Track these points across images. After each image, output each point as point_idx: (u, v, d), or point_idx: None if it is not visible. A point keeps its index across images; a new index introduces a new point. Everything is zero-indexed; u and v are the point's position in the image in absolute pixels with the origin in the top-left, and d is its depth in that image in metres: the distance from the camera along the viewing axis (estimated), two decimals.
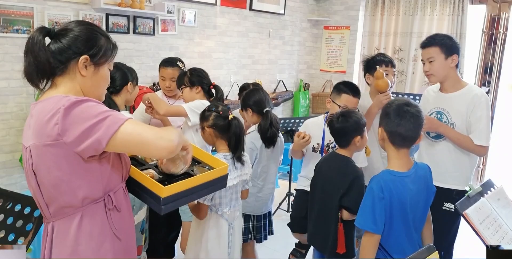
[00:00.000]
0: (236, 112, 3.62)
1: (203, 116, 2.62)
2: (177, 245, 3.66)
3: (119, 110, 2.66)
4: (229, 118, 2.54)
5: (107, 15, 4.52)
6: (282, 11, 6.53)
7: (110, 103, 2.62)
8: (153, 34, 4.97)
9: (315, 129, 3.23)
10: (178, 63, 3.54)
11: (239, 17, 5.97)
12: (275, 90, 6.69)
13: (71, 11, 4.27)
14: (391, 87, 3.24)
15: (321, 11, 7.21)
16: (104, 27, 4.41)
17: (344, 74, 6.94)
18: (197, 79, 3.23)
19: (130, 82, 2.81)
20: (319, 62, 7.36)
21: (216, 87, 3.31)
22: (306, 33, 7.16)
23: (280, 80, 6.82)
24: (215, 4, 5.59)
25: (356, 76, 6.93)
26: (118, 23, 4.61)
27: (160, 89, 3.66)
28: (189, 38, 5.39)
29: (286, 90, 6.89)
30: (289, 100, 6.97)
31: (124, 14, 4.64)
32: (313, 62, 7.41)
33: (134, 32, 4.78)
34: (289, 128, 4.80)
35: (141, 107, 3.37)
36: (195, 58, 5.48)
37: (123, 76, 2.79)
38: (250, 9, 6.07)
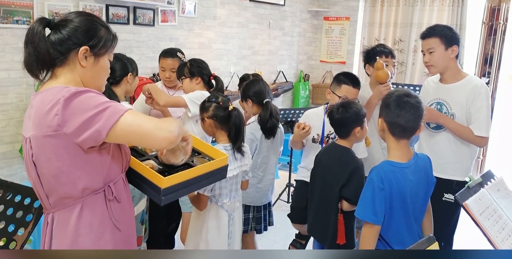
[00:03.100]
0: (236, 103, 3.63)
1: (203, 107, 2.61)
2: (177, 236, 3.68)
3: (119, 101, 2.66)
4: (229, 109, 2.53)
5: (107, 6, 4.50)
6: (282, 2, 6.53)
7: (110, 94, 2.61)
8: (153, 25, 4.97)
9: (315, 120, 3.22)
10: (178, 54, 3.54)
11: (239, 8, 5.97)
12: (275, 81, 6.69)
13: (71, 2, 4.25)
14: (391, 78, 3.23)
15: (321, 2, 7.22)
16: (104, 18, 4.38)
17: (344, 65, 6.96)
18: (197, 70, 3.22)
19: (130, 73, 2.81)
20: (319, 53, 7.37)
21: (216, 78, 3.30)
22: (306, 24, 7.16)
23: (280, 71, 6.82)
24: None
25: (356, 67, 6.95)
26: (118, 14, 4.60)
27: (160, 80, 3.66)
28: (189, 29, 5.38)
29: (286, 81, 6.90)
30: (289, 91, 6.96)
31: (124, 5, 4.63)
32: (313, 53, 7.42)
33: (134, 23, 4.78)
34: (289, 119, 4.79)
35: (141, 98, 3.37)
36: (195, 49, 5.47)
37: (123, 67, 2.78)
38: (250, 0, 6.07)
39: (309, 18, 7.19)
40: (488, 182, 2.12)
